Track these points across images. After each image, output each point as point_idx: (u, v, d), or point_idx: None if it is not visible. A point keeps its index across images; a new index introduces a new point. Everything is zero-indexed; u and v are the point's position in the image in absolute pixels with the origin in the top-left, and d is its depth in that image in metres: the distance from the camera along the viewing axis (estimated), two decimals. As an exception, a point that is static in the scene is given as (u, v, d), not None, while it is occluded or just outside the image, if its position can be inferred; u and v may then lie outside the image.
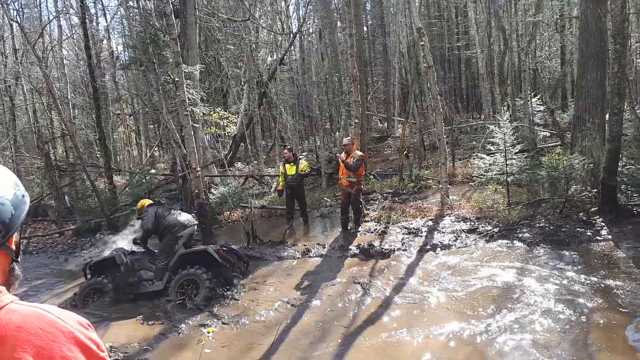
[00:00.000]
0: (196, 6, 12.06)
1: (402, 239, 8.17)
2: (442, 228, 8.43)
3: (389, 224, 9.16)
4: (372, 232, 8.85)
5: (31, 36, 14.64)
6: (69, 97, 17.05)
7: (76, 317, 1.06)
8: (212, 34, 14.98)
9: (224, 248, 6.91)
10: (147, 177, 13.16)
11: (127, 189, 14.19)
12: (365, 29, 28.96)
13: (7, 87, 19.13)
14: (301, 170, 9.85)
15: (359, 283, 6.37)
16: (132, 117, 27.61)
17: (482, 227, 8.08)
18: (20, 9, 20.12)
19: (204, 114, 11.41)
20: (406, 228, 8.74)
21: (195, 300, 6.14)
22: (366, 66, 22.12)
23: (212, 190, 11.29)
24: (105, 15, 24.65)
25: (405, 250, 7.62)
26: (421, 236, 8.21)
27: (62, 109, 12.60)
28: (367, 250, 7.67)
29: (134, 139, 27.90)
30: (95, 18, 24.53)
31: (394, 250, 7.57)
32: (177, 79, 8.18)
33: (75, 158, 12.28)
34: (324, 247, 8.28)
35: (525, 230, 7.58)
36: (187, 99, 8.31)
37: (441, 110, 9.81)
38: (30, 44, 11.26)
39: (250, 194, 13.32)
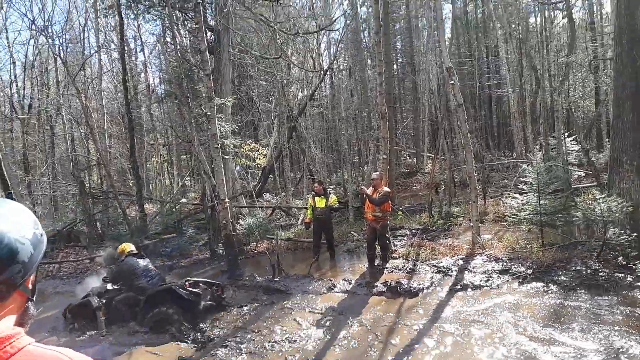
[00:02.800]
0: (230, 43, 12.43)
1: (432, 277, 7.97)
2: (473, 268, 8.19)
3: (417, 261, 8.98)
4: (400, 270, 8.67)
5: (73, 69, 15.30)
6: (105, 127, 17.60)
7: None
8: (245, 69, 15.36)
9: (189, 281, 6.90)
10: (177, 207, 13.35)
11: (157, 217, 14.38)
12: (395, 66, 29.36)
13: (48, 116, 20.01)
14: (331, 204, 9.82)
15: (385, 323, 6.20)
16: (165, 147, 28.35)
17: (515, 268, 7.82)
18: (65, 44, 21.13)
19: (234, 145, 11.60)
20: (436, 266, 8.53)
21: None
22: (395, 102, 22.27)
23: (240, 220, 11.35)
24: (143, 50, 25.64)
25: (434, 289, 7.42)
26: (451, 275, 7.99)
27: (98, 138, 13.00)
28: (395, 288, 7.48)
29: (167, 169, 28.52)
30: (134, 53, 25.63)
31: (422, 289, 7.37)
32: (209, 113, 8.37)
33: (108, 186, 12.55)
34: (350, 283, 8.13)
35: (560, 273, 7.29)
36: (218, 132, 8.45)
37: (471, 147, 9.69)
38: (71, 77, 11.79)
39: (277, 226, 13.34)
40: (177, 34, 13.32)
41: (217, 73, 12.33)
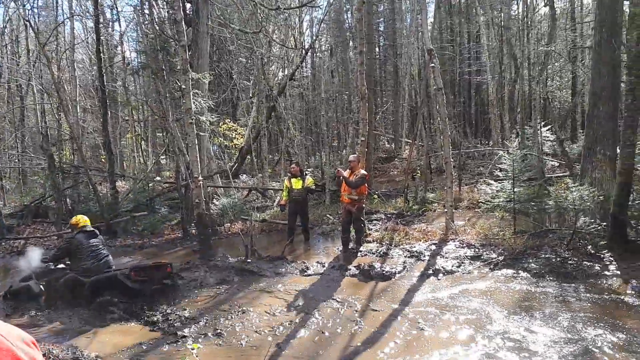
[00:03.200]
0: (209, 16, 12.07)
1: (404, 262, 7.98)
2: (446, 253, 8.24)
3: (391, 245, 9.00)
4: (373, 253, 8.67)
5: (44, 37, 14.67)
6: (77, 99, 17.05)
7: (18, 333, 0.91)
8: (224, 45, 14.99)
9: (136, 269, 6.60)
10: (150, 184, 13.06)
11: (130, 195, 14.08)
12: (377, 49, 29.15)
13: (18, 86, 19.27)
14: (308, 185, 9.73)
15: (356, 306, 6.17)
16: (141, 124, 27.71)
17: (487, 254, 7.88)
18: (37, 11, 20.33)
19: (211, 123, 11.34)
20: (409, 251, 8.56)
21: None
22: (376, 86, 22.12)
23: (214, 200, 11.17)
24: (119, 21, 24.74)
25: (406, 273, 7.43)
26: (424, 260, 8.02)
27: (69, 110, 12.57)
28: (367, 272, 7.48)
29: (141, 146, 27.94)
30: (110, 24, 24.78)
31: (395, 273, 7.38)
32: (184, 87, 8.12)
33: (79, 161, 12.18)
34: (323, 266, 8.09)
35: (531, 260, 7.37)
36: (193, 107, 8.22)
37: (449, 133, 9.67)
38: (41, 45, 11.28)
39: (252, 207, 13.20)
40: (155, 4, 12.87)
41: (194, 46, 11.99)
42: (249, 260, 8.38)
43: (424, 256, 8.18)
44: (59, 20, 19.13)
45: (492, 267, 7.33)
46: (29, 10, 12.65)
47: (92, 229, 7.02)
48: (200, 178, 8.37)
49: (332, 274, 7.69)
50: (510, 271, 7.10)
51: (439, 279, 7.08)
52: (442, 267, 7.47)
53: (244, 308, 6.33)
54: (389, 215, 11.68)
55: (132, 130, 24.50)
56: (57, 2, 17.48)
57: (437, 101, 9.95)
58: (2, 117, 21.24)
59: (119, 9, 20.05)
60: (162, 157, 23.17)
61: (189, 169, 9.28)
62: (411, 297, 6.42)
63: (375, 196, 13.24)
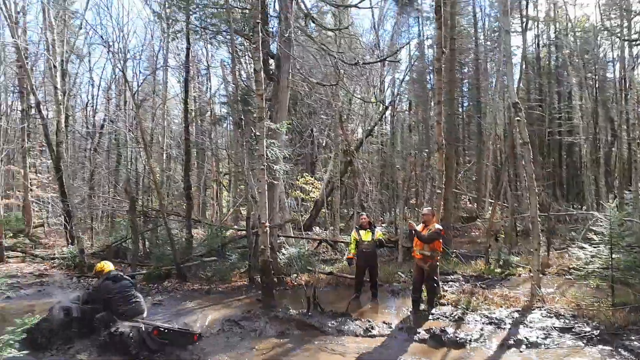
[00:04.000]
0: (290, 71, 12.40)
1: (482, 329, 7.15)
2: (530, 322, 7.29)
3: (467, 309, 8.16)
4: (447, 317, 7.89)
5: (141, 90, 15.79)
6: (163, 148, 18.07)
7: None
8: (304, 100, 15.33)
9: (159, 329, 6.37)
10: (222, 231, 13.20)
11: (206, 241, 14.31)
12: (460, 109, 28.60)
13: (116, 136, 20.92)
14: (378, 237, 9.25)
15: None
16: (225, 175, 28.86)
17: (579, 326, 6.86)
18: (137, 66, 22.24)
19: (289, 177, 11.40)
20: (487, 317, 7.69)
21: None
22: (458, 142, 21.48)
23: (283, 250, 10.97)
24: (209, 78, 26.22)
25: (483, 342, 6.61)
26: (504, 328, 7.14)
27: (149, 154, 13.21)
28: (439, 337, 6.75)
29: (224, 196, 28.92)
30: (205, 81, 26.42)
31: (470, 341, 6.59)
32: (258, 133, 8.18)
33: (162, 205, 12.63)
34: (390, 327, 7.45)
35: (633, 337, 6.28)
36: (265, 154, 8.23)
37: (536, 190, 8.86)
38: (131, 92, 12.17)
39: (321, 259, 12.84)
40: (239, 59, 13.52)
41: (274, 99, 12.29)
42: (311, 314, 7.95)
43: (505, 324, 7.29)
44: (157, 75, 20.71)
45: (585, 341, 6.32)
46: (120, 63, 13.71)
47: (117, 273, 7.13)
48: (267, 224, 8.22)
49: (400, 337, 7.04)
50: (607, 348, 6.07)
51: (521, 351, 6.20)
52: (526, 337, 6.57)
53: (299, 364, 5.89)
54: (467, 277, 10.79)
55: (216, 181, 25.46)
56: (156, 60, 19.00)
57: (523, 156, 9.22)
58: (101, 164, 23.04)
59: (211, 68, 21.34)
60: (241, 206, 23.72)
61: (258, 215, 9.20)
62: (487, 369, 5.64)
63: (454, 256, 12.37)
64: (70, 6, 20.31)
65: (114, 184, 20.61)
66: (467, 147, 27.87)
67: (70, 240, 14.79)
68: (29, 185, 18.66)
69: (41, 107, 15.16)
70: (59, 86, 13.77)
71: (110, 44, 16.73)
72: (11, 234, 18.35)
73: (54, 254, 14.74)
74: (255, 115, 8.79)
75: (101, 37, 17.21)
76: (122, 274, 7.21)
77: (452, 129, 16.17)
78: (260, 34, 8.41)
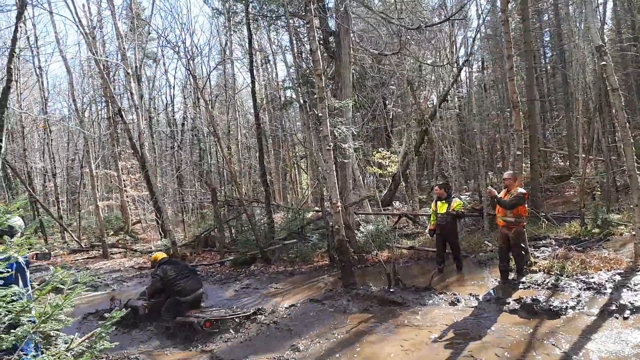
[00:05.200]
0: (350, 45, 12.06)
1: (579, 295, 6.59)
2: (635, 285, 6.59)
3: (562, 275, 7.56)
4: (539, 285, 7.36)
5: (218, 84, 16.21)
6: (238, 139, 18.57)
7: None
8: (367, 72, 14.92)
9: (210, 321, 6.86)
10: (300, 214, 13.36)
11: (286, 224, 14.58)
12: (543, 61, 26.49)
13: (195, 132, 21.85)
14: (453, 209, 8.82)
15: (515, 349, 5.15)
16: (303, 159, 29.21)
17: (696, 288, 6.10)
18: (207, 62, 22.90)
19: (356, 151, 11.21)
20: (584, 282, 7.07)
21: None
22: (542, 97, 19.95)
23: (360, 227, 10.85)
24: (274, 64, 26.39)
25: (581, 310, 6.09)
26: (604, 294, 6.51)
27: (223, 146, 13.62)
28: (531, 306, 6.30)
29: (304, 178, 29.33)
30: (274, 68, 26.65)
31: (566, 309, 6.09)
32: (320, 114, 8.05)
33: (240, 194, 13.04)
34: (477, 298, 7.10)
35: None
36: (329, 134, 8.09)
37: (631, 140, 7.96)
38: (199, 89, 12.56)
39: (402, 234, 12.58)
40: (301, 41, 13.40)
41: (337, 77, 12.06)
42: (392, 290, 7.78)
43: (605, 289, 6.65)
44: (228, 69, 21.21)
45: (703, 305, 5.59)
46: (186, 61, 14.16)
47: (172, 259, 8.21)
48: (338, 204, 8.12)
49: (487, 308, 6.68)
50: None
51: (625, 318, 5.62)
52: (630, 302, 5.94)
53: (381, 343, 5.77)
54: (560, 241, 10.01)
55: (292, 165, 25.86)
56: (224, 53, 19.38)
57: (613, 104, 8.30)
58: (186, 160, 24.25)
59: (273, 51, 21.37)
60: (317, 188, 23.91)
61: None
62: (587, 339, 5.17)
63: (543, 219, 11.55)
64: (142, 13, 21.30)
65: (198, 178, 21.61)
66: (554, 100, 25.84)
67: (162, 234, 15.74)
68: (123, 187, 20.09)
69: (122, 112, 16.12)
70: (134, 91, 14.56)
71: (178, 44, 17.37)
72: (112, 232, 19.95)
73: (151, 248, 15.77)
74: (316, 95, 8.64)
75: (165, 38, 17.82)
76: (175, 259, 8.29)
77: (531, 83, 14.97)
78: (312, 12, 8.21)
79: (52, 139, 21.51)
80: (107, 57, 19.57)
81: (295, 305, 7.91)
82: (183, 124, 25.82)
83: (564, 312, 6.03)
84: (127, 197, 20.42)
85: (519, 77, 18.48)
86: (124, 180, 20.46)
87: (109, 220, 21.26)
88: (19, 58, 16.63)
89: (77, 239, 18.41)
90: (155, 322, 7.49)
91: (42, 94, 20.20)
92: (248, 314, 7.25)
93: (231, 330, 6.88)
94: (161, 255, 8.15)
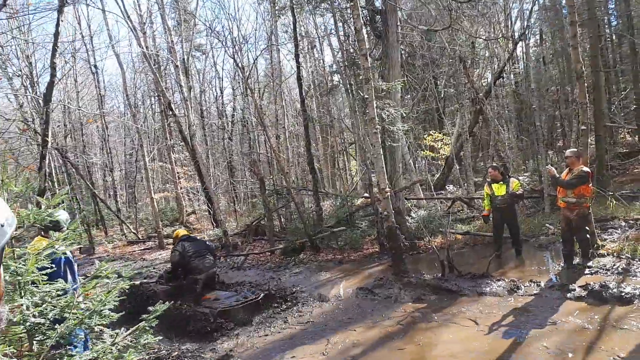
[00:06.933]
0: (398, 24, 11.59)
1: (654, 280, 6.00)
2: None
3: (633, 259, 6.94)
4: (607, 270, 6.80)
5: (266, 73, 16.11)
6: (285, 127, 18.52)
7: None
8: (415, 51, 14.35)
9: (222, 312, 6.76)
10: (348, 200, 13.11)
11: (335, 212, 14.41)
12: (607, 30, 24.71)
13: (245, 122, 22.02)
14: (513, 190, 8.29)
15: (582, 338, 4.72)
16: (352, 145, 28.86)
17: None
18: (255, 52, 22.94)
19: (406, 133, 10.80)
20: (660, 266, 6.45)
21: None
22: (608, 67, 18.57)
23: (412, 213, 10.48)
24: (321, 49, 26.07)
25: (658, 296, 5.52)
26: (684, 279, 5.90)
27: (270, 135, 13.57)
28: (599, 293, 5.80)
29: (353, 165, 29.01)
30: (320, 54, 26.38)
31: (638, 296, 5.55)
32: (366, 96, 7.74)
33: (288, 182, 12.97)
34: (539, 285, 6.63)
35: None
36: (376, 117, 7.76)
37: None
38: (244, 78, 12.50)
39: (457, 219, 12.08)
40: (347, 23, 13.06)
41: (384, 57, 11.65)
42: (446, 278, 7.42)
43: (685, 273, 6.02)
44: (274, 58, 21.14)
45: None
46: (233, 51, 14.15)
47: (192, 236, 8.36)
48: (387, 189, 7.81)
49: (550, 295, 6.22)
50: None
51: None
52: None
53: (435, 333, 5.47)
54: (630, 222, 9.24)
55: (341, 151, 25.59)
56: (270, 41, 19.25)
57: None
58: (237, 150, 24.57)
59: (319, 35, 21.01)
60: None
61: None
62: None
63: (611, 198, 10.69)
64: (188, 5, 21.59)
65: (248, 168, 21.81)
66: (621, 72, 24.03)
67: (214, 224, 15.96)
68: (177, 179, 20.58)
69: (172, 105, 16.43)
70: (183, 84, 14.76)
71: (225, 35, 17.43)
72: (168, 223, 20.51)
73: (204, 238, 16.05)
74: (361, 77, 8.33)
75: (212, 30, 17.93)
76: (195, 236, 8.44)
77: (595, 52, 13.88)
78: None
79: (109, 135, 22.38)
80: (157, 51, 19.96)
81: (344, 294, 7.73)
82: (233, 115, 26.13)
83: (638, 299, 5.49)
84: (181, 188, 20.91)
85: (582, 48, 17.25)
86: (177, 173, 20.96)
87: (164, 212, 21.91)
88: (60, 53, 17.22)
89: (134, 231, 19.06)
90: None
91: (98, 91, 20.97)
92: (258, 298, 7.21)
93: (281, 320, 6.76)
94: (182, 232, 8.42)
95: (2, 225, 0.99)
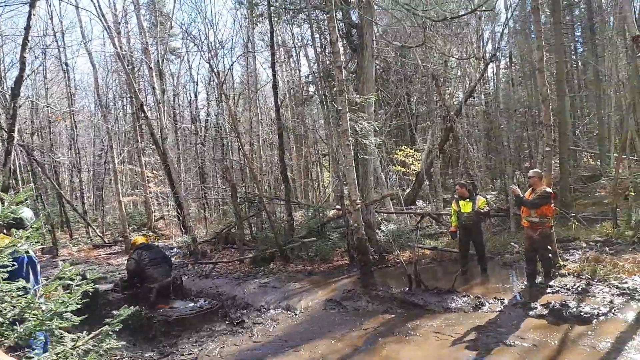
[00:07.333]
0: (374, 39, 11.79)
1: (611, 301, 6.23)
2: (673, 291, 6.20)
3: (593, 280, 7.20)
4: (568, 289, 7.02)
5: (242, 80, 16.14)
6: (259, 134, 18.50)
7: None
8: (389, 66, 14.61)
9: (178, 319, 6.74)
10: (320, 211, 13.15)
11: (306, 222, 14.41)
12: (573, 57, 25.68)
13: (218, 128, 21.89)
14: (479, 208, 8.49)
15: (539, 353, 4.86)
16: (325, 156, 28.99)
17: None
18: (231, 59, 22.92)
19: (378, 147, 10.96)
20: (618, 287, 6.69)
21: None
22: (573, 93, 19.26)
23: (381, 227, 10.59)
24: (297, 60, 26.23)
25: (614, 316, 5.74)
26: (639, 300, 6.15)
27: (243, 143, 13.53)
28: (559, 312, 5.98)
29: (326, 176, 29.12)
30: (297, 64, 26.49)
31: (597, 315, 5.76)
32: (339, 108, 7.83)
33: (260, 191, 12.92)
34: (502, 302, 6.79)
35: None
36: (349, 129, 7.86)
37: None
38: (219, 84, 12.49)
39: (425, 234, 12.27)
40: (323, 35, 13.21)
41: (359, 71, 11.83)
42: (413, 292, 7.53)
43: (640, 295, 6.28)
44: (250, 65, 21.15)
45: None
46: (209, 57, 14.16)
47: (150, 244, 8.36)
48: (358, 201, 7.90)
49: (513, 313, 6.37)
50: None
51: (663, 326, 5.26)
52: (668, 310, 5.57)
53: (398, 346, 5.54)
54: (591, 244, 9.58)
55: (311, 162, 25.70)
56: (247, 48, 19.28)
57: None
58: (209, 156, 24.37)
59: (295, 45, 21.17)
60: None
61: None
62: (622, 348, 4.83)
63: (573, 219, 11.07)
64: (163, 7, 21.41)
65: (220, 175, 21.65)
66: (585, 97, 24.98)
67: (184, 230, 15.74)
68: (146, 182, 20.24)
69: (144, 107, 16.21)
70: (156, 86, 14.62)
71: (201, 39, 17.36)
72: (135, 228, 20.12)
73: (172, 244, 15.80)
74: (335, 88, 8.43)
75: (188, 33, 17.87)
76: (154, 244, 8.58)
77: (561, 77, 14.42)
78: (333, 1, 7.99)
79: (78, 135, 21.86)
80: (131, 52, 19.69)
81: (312, 305, 7.73)
82: (206, 120, 25.93)
83: (596, 318, 5.70)
84: (150, 192, 20.57)
85: (549, 72, 17.87)
86: (147, 177, 20.62)
87: (132, 216, 21.48)
88: (31, 48, 16.82)
89: (100, 235, 18.62)
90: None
91: (69, 89, 20.51)
92: (214, 309, 7.20)
93: (246, 332, 6.71)
94: (140, 239, 8.50)
95: None
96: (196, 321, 6.85)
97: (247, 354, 5.89)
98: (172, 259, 14.23)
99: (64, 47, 20.37)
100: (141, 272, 7.62)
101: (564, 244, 9.57)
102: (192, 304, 7.47)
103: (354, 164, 8.09)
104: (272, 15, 13.29)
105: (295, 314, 7.40)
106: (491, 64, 18.67)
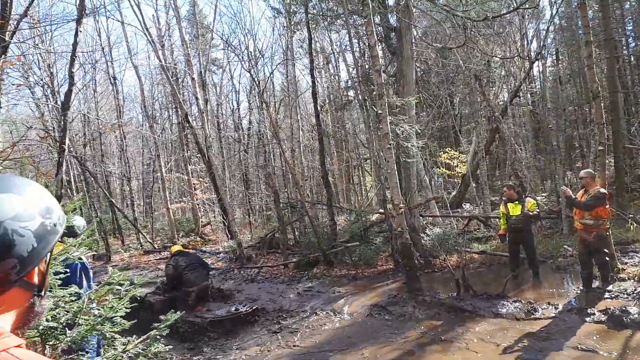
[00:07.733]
0: (413, 41, 11.65)
1: (677, 306, 5.87)
2: None
3: (656, 284, 6.80)
4: (628, 294, 6.66)
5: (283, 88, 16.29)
6: (300, 140, 18.61)
7: None
8: (430, 68, 14.38)
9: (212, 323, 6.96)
10: (363, 216, 13.07)
11: (349, 227, 14.35)
12: (625, 51, 24.55)
13: (260, 135, 22.22)
14: (528, 210, 8.19)
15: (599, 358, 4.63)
16: (367, 160, 28.83)
17: None
18: (273, 68, 23.28)
19: (421, 150, 10.79)
20: (684, 292, 6.31)
21: None
22: (627, 89, 18.39)
23: (427, 231, 10.40)
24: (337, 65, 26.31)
25: (680, 322, 5.40)
26: None
27: (285, 149, 13.63)
28: (619, 318, 5.68)
29: (369, 180, 28.95)
30: (336, 69, 26.55)
31: (662, 321, 5.43)
32: (379, 112, 7.76)
33: (302, 196, 12.99)
34: (556, 307, 6.52)
35: None
36: (389, 132, 7.78)
37: None
38: (260, 92, 12.66)
39: (473, 238, 11.96)
40: (359, 41, 13.18)
41: (399, 74, 11.71)
42: (462, 297, 7.34)
43: None
44: (290, 73, 21.35)
45: None
46: (249, 65, 14.38)
47: (185, 251, 8.98)
48: (401, 205, 7.78)
49: (568, 319, 6.10)
50: None
51: None
52: None
53: (450, 352, 5.40)
54: (653, 246, 9.09)
55: (352, 166, 25.63)
56: (286, 56, 19.49)
57: None
58: (252, 163, 24.74)
59: (334, 51, 21.25)
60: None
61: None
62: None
63: (631, 220, 10.51)
64: (204, 20, 21.96)
65: (264, 181, 21.92)
66: (640, 93, 23.77)
67: (229, 236, 15.98)
68: (193, 190, 20.75)
69: (189, 117, 16.66)
70: (199, 96, 14.98)
71: (241, 49, 17.69)
72: (184, 234, 20.61)
73: (219, 249, 16.07)
74: (374, 92, 8.37)
75: (228, 43, 18.20)
76: (190, 251, 9.40)
77: (612, 73, 13.77)
78: (370, 5, 7.94)
79: (127, 145, 22.65)
80: (175, 64, 20.30)
81: (358, 310, 7.67)
82: (249, 128, 26.36)
83: (659, 325, 5.36)
84: (197, 199, 21.07)
85: (599, 68, 17.14)
86: (194, 184, 21.13)
87: (180, 222, 22.01)
88: (80, 63, 17.61)
89: (150, 241, 19.18)
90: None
91: (117, 102, 21.34)
92: (249, 312, 7.38)
93: (292, 335, 6.73)
94: (177, 247, 9.06)
95: (55, 225, 1.01)
96: (234, 324, 7.03)
97: (291, 359, 5.89)
98: (219, 263, 14.55)
99: (112, 62, 21.24)
100: (179, 276, 8.02)
101: (622, 247, 9.12)
102: (230, 308, 7.65)
103: (395, 168, 7.98)
104: (310, 22, 13.35)
105: (341, 319, 7.36)
106: (537, 62, 18.08)
